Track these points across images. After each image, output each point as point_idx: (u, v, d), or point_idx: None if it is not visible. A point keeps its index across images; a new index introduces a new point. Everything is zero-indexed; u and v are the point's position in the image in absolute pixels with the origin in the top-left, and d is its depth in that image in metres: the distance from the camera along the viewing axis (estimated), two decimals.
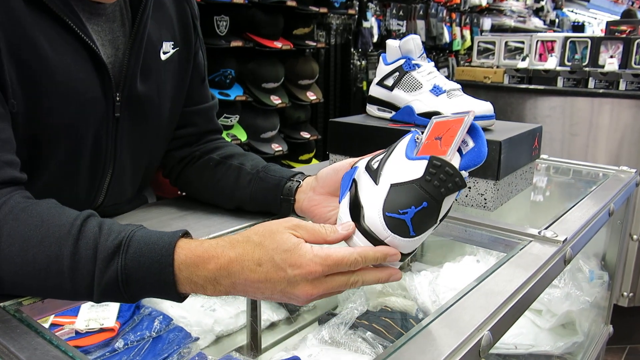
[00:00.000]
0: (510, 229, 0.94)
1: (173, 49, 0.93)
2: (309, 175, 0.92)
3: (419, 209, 0.58)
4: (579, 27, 8.81)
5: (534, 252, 0.84)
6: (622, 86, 2.96)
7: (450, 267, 1.37)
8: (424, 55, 1.24)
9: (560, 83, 3.16)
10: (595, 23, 10.46)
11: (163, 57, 0.91)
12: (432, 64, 1.25)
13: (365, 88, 3.95)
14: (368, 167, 0.65)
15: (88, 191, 0.88)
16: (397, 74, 1.23)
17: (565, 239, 0.90)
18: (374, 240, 0.60)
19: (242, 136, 2.60)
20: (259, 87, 2.70)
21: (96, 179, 0.87)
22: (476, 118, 1.15)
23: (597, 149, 2.89)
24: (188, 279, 0.61)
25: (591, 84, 3.07)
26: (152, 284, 0.61)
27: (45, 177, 0.80)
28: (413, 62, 1.22)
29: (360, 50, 3.81)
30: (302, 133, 2.99)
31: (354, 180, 0.68)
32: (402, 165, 0.61)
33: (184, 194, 1.08)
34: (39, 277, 0.62)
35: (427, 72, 1.21)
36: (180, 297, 0.62)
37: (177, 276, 0.61)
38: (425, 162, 0.59)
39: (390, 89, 1.24)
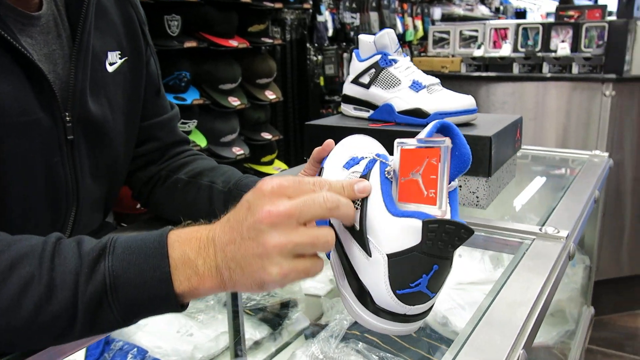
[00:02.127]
0: (510, 228, 0.90)
1: (120, 58, 0.84)
2: None
3: (431, 275, 0.51)
4: (521, 14, 9.01)
5: (541, 252, 0.81)
6: (574, 69, 3.01)
7: None
8: (400, 49, 1.19)
9: (516, 69, 3.19)
10: (536, 9, 10.71)
11: (110, 68, 0.82)
12: (408, 58, 1.20)
13: (322, 84, 3.89)
14: (349, 227, 0.57)
15: (51, 230, 0.77)
16: (373, 70, 1.18)
17: (567, 234, 0.86)
18: (398, 319, 0.54)
19: (202, 142, 2.49)
20: (216, 88, 2.60)
21: (60, 214, 0.77)
22: (459, 113, 1.11)
23: (555, 131, 2.93)
24: (181, 255, 0.54)
25: (545, 68, 3.11)
26: (144, 282, 0.53)
27: (1, 222, 0.70)
28: (389, 57, 1.16)
29: (316, 45, 3.74)
30: (263, 134, 2.90)
31: (336, 233, 0.59)
32: (390, 226, 0.53)
33: (139, 206, 0.99)
34: (10, 307, 0.52)
35: (404, 68, 1.16)
36: (175, 299, 0.54)
37: (171, 257, 0.54)
38: (418, 224, 0.50)
39: (367, 86, 1.19)
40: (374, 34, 1.17)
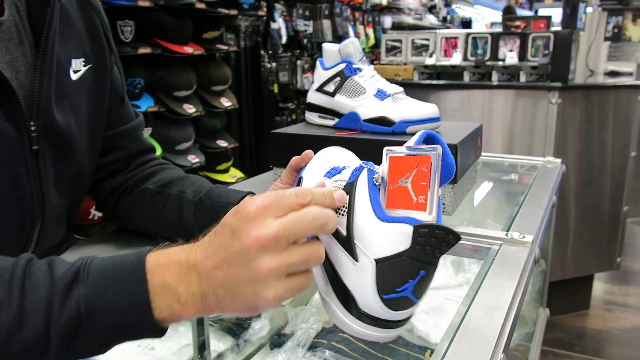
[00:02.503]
0: (477, 234, 0.92)
1: (84, 66, 0.81)
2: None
3: (417, 280, 0.52)
4: (467, 23, 9.28)
5: (509, 257, 0.83)
6: (522, 78, 3.11)
7: None
8: (364, 58, 1.20)
9: (466, 77, 3.27)
10: (480, 18, 11.05)
11: (74, 76, 0.79)
12: (372, 67, 1.21)
13: (276, 91, 3.88)
14: (335, 233, 0.56)
15: (16, 244, 0.74)
16: (338, 79, 1.18)
17: (532, 239, 0.89)
18: (378, 324, 0.55)
19: (157, 150, 2.45)
20: (170, 95, 2.56)
21: (25, 227, 0.74)
22: (423, 121, 1.13)
23: (503, 138, 3.01)
24: (161, 282, 0.51)
25: (495, 77, 3.21)
26: (122, 309, 0.50)
27: None
28: (354, 66, 1.17)
29: (270, 52, 3.74)
30: (218, 142, 2.87)
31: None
32: (379, 232, 0.53)
33: (93, 217, 0.96)
34: None
35: (369, 76, 1.17)
36: (155, 324, 0.52)
37: (150, 284, 0.51)
38: (408, 229, 0.51)
39: (332, 95, 1.19)
40: (329, 42, 1.18)
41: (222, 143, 2.88)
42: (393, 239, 0.52)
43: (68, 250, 0.87)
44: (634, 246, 3.70)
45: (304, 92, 4.33)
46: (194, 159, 2.63)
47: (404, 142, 0.58)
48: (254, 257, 0.49)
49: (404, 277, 0.52)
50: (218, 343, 1.30)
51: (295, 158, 0.72)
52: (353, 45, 1.18)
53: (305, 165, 0.71)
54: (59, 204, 0.79)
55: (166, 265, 0.52)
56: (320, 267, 0.59)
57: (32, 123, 0.71)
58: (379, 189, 0.56)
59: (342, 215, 0.56)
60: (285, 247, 0.50)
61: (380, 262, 0.52)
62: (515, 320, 0.67)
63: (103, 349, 0.53)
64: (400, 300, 0.53)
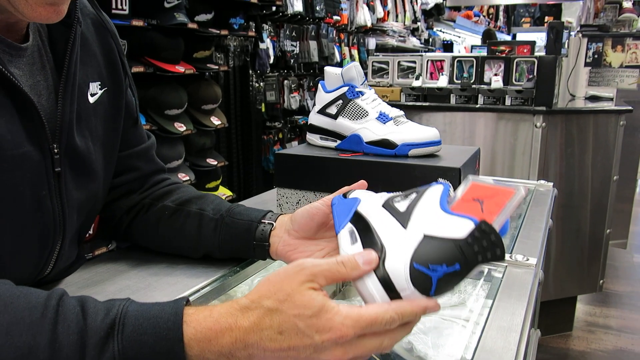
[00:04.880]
0: None
1: (101, 89, 0.82)
2: (281, 214, 0.86)
3: (449, 270, 0.53)
4: (448, 45, 9.44)
5: (516, 279, 0.85)
6: (507, 101, 3.18)
7: None
8: (366, 82, 1.23)
9: (453, 100, 3.33)
10: (460, 41, 11.25)
11: (91, 99, 0.80)
12: (373, 90, 1.24)
13: (264, 110, 3.90)
14: (389, 206, 0.59)
15: (36, 265, 0.74)
16: (340, 101, 1.21)
17: (536, 261, 0.92)
18: (390, 290, 0.54)
19: None
20: (162, 114, 2.57)
21: (46, 248, 0.74)
22: (425, 144, 1.16)
23: (486, 159, 3.06)
24: (199, 356, 0.52)
25: (480, 100, 3.27)
26: None
27: None
28: (356, 89, 1.20)
29: (258, 71, 3.76)
30: (208, 160, 2.88)
31: (358, 214, 0.62)
32: (439, 218, 0.56)
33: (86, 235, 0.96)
34: None
35: (371, 100, 1.20)
36: None
37: (187, 354, 0.52)
38: (470, 223, 0.53)
39: (334, 117, 1.22)
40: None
41: (212, 161, 2.88)
42: (451, 226, 0.54)
43: (80, 269, 0.87)
44: (615, 269, 3.77)
45: (291, 112, 4.36)
46: (184, 177, 2.63)
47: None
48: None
49: (442, 259, 0.53)
50: None
51: (346, 187, 0.73)
52: (355, 69, 1.20)
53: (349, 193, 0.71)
54: (76, 224, 0.79)
55: (206, 341, 0.52)
56: (349, 226, 0.60)
57: (54, 145, 0.71)
58: (449, 200, 0.58)
59: (403, 198, 0.58)
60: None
61: (428, 238, 0.54)
62: (528, 341, 0.69)
63: None
64: (424, 278, 0.53)
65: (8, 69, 0.64)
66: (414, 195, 0.60)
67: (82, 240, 0.88)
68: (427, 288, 0.53)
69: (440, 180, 0.62)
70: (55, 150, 0.71)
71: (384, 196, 0.64)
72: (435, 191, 0.59)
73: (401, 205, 0.59)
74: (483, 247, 0.52)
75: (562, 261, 2.89)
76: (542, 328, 2.88)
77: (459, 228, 0.53)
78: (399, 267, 0.54)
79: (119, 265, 0.89)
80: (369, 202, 0.63)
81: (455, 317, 1.24)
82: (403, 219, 0.57)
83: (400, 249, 0.55)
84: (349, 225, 0.60)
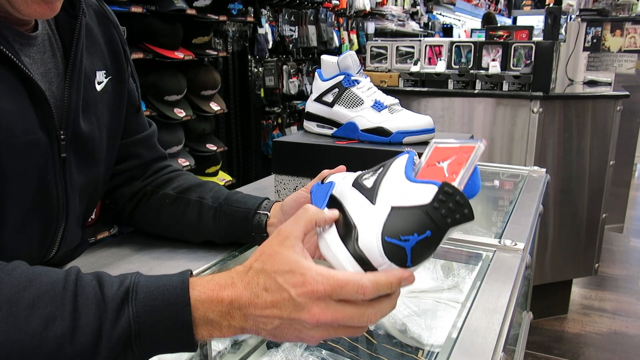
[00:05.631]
0: (471, 240, 0.97)
1: (106, 78, 0.86)
2: (276, 201, 0.89)
3: (421, 238, 0.53)
4: (448, 29, 9.40)
5: (503, 263, 0.88)
6: (505, 87, 3.19)
7: None
8: (362, 71, 1.25)
9: (450, 85, 3.34)
10: (460, 25, 11.19)
11: (98, 87, 0.84)
12: (369, 79, 1.26)
13: (262, 95, 3.92)
14: (358, 184, 0.61)
15: (40, 247, 0.78)
16: (336, 90, 1.23)
17: (524, 246, 0.95)
18: (366, 265, 0.55)
19: None
20: (161, 100, 2.59)
21: (50, 230, 0.78)
22: (419, 132, 1.19)
23: (490, 145, 3.08)
24: (203, 317, 0.57)
25: (478, 85, 3.28)
26: (166, 330, 0.56)
27: None
28: (352, 78, 1.22)
29: (257, 57, 3.77)
30: (208, 145, 2.90)
31: (333, 197, 0.63)
32: (404, 187, 0.56)
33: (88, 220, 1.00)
34: (31, 345, 0.53)
35: (366, 88, 1.22)
36: (194, 344, 0.58)
37: (193, 316, 0.57)
38: (433, 188, 0.54)
39: (331, 105, 1.24)
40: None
41: (212, 147, 2.91)
42: (415, 193, 0.55)
43: (84, 253, 0.91)
44: (611, 252, 3.81)
45: (290, 97, 4.37)
46: (184, 162, 2.66)
47: (401, 151, 0.63)
48: (309, 328, 0.56)
49: (412, 229, 0.54)
50: (217, 342, 1.33)
51: (326, 170, 0.76)
52: (351, 58, 1.23)
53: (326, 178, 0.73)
54: (79, 208, 0.82)
55: (209, 301, 0.57)
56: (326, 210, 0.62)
57: (61, 132, 0.74)
58: (415, 169, 0.59)
59: (372, 174, 0.60)
60: (336, 326, 0.56)
61: (395, 209, 0.55)
62: (512, 322, 0.72)
63: None
64: (398, 250, 0.54)
65: (20, 58, 0.68)
66: (380, 170, 0.61)
67: (85, 224, 0.92)
68: (402, 259, 0.54)
69: (407, 149, 0.63)
70: (62, 137, 0.75)
71: (354, 175, 0.65)
72: (400, 162, 0.60)
73: (369, 182, 0.60)
74: (450, 210, 0.53)
75: (559, 245, 2.93)
76: (538, 311, 2.93)
77: (424, 194, 0.54)
78: (371, 243, 0.55)
79: (122, 250, 0.92)
80: (342, 183, 0.64)
81: (450, 300, 1.27)
82: (370, 194, 0.58)
83: (370, 225, 0.56)
84: (326, 210, 0.61)
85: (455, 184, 0.55)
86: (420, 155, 0.63)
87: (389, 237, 0.54)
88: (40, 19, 0.72)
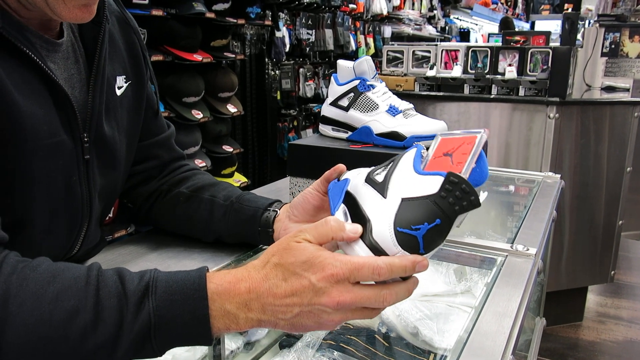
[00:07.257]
0: (484, 245, 0.98)
1: (126, 82, 0.89)
2: (287, 203, 0.91)
3: (432, 226, 0.57)
4: (465, 34, 9.37)
5: (515, 268, 0.89)
6: (521, 92, 3.18)
7: None
8: (377, 75, 1.27)
9: (466, 90, 3.34)
10: (478, 29, 11.15)
11: (118, 92, 0.87)
12: (384, 84, 1.28)
13: (279, 98, 3.95)
14: (370, 180, 0.64)
15: (65, 245, 0.81)
16: (352, 94, 1.25)
17: (536, 252, 0.95)
18: (381, 255, 0.59)
19: None
20: (179, 101, 2.62)
21: (74, 230, 0.81)
22: (433, 137, 1.20)
23: (500, 151, 3.08)
24: (221, 309, 0.59)
25: (494, 90, 3.28)
26: (184, 323, 0.59)
27: (20, 237, 0.72)
28: (368, 82, 1.24)
29: (274, 59, 3.80)
30: (224, 147, 2.93)
31: (348, 193, 0.66)
32: (412, 180, 0.60)
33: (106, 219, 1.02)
34: (55, 337, 0.56)
35: (382, 93, 1.24)
36: (210, 338, 0.60)
37: (210, 308, 0.59)
38: (439, 178, 0.58)
39: (346, 109, 1.26)
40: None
41: (228, 148, 2.94)
42: (424, 185, 0.58)
43: (103, 250, 0.93)
44: (627, 260, 3.77)
45: (306, 100, 4.40)
46: (200, 163, 2.69)
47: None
48: (329, 312, 0.58)
49: (422, 218, 0.57)
50: (230, 342, 1.35)
51: (329, 171, 0.78)
52: (367, 63, 1.24)
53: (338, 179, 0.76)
54: (100, 208, 0.85)
55: (226, 293, 0.59)
56: (342, 207, 0.65)
57: (85, 135, 0.77)
58: (422, 159, 0.63)
59: (383, 169, 0.63)
60: (354, 308, 0.59)
61: (405, 201, 0.59)
62: (522, 326, 0.73)
63: (161, 353, 0.60)
64: (410, 239, 0.58)
65: (47, 63, 0.71)
66: (390, 164, 0.65)
67: (102, 222, 0.95)
68: (415, 247, 0.58)
69: (416, 143, 0.66)
70: (86, 139, 0.78)
71: (367, 171, 0.68)
72: (408, 156, 0.63)
73: (380, 177, 0.63)
74: (457, 197, 0.56)
75: (574, 252, 2.91)
76: (552, 318, 2.91)
77: (431, 185, 0.58)
78: (385, 234, 0.59)
79: (139, 248, 0.95)
80: (357, 179, 0.67)
81: (462, 304, 1.28)
82: (382, 188, 0.62)
83: (383, 217, 0.59)
84: (342, 206, 0.65)
85: (460, 173, 0.58)
86: (427, 148, 0.66)
87: (401, 227, 0.58)
88: (79, 22, 0.75)
